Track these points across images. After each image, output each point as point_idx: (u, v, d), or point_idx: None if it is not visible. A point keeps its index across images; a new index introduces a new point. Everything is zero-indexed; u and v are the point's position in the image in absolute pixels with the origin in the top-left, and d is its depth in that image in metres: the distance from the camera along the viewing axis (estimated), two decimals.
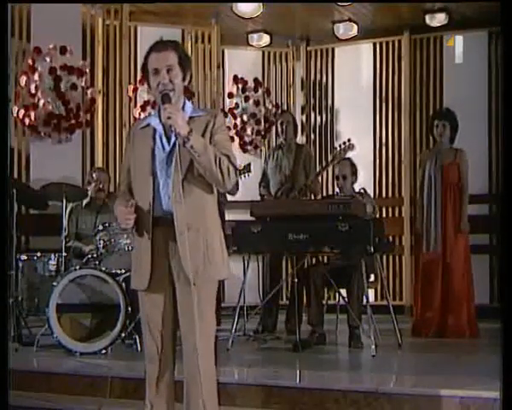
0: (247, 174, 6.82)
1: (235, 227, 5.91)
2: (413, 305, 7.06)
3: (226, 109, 9.01)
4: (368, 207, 5.86)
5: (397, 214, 8.86)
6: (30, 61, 7.59)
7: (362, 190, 6.30)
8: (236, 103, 9.08)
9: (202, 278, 3.29)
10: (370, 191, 6.99)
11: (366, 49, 9.09)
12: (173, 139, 3.31)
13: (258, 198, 7.08)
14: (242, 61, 9.22)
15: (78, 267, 5.74)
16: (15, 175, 7.55)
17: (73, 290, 5.62)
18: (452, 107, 6.94)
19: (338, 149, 6.53)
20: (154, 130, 3.40)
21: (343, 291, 6.07)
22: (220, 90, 8.94)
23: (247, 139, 9.10)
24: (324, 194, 8.48)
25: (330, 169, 7.39)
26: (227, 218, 6.87)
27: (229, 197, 6.68)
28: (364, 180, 7.33)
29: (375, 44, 9.03)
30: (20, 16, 7.72)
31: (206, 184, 3.34)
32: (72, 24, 7.86)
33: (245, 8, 8.22)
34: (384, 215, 8.77)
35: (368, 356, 5.53)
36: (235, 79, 9.10)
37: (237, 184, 6.45)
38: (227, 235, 5.62)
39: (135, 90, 8.31)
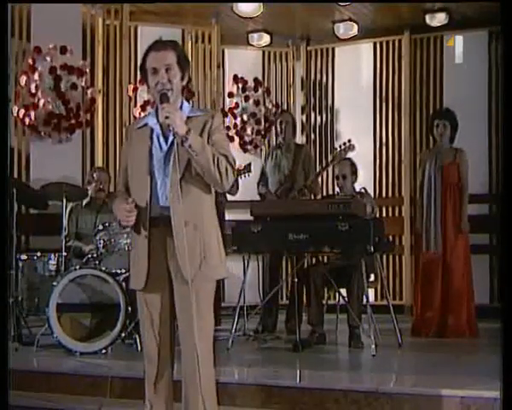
0: (247, 174, 6.83)
1: (235, 227, 5.91)
2: (413, 305, 7.06)
3: (226, 109, 9.01)
4: (367, 206, 5.86)
5: (397, 214, 8.86)
6: (30, 61, 7.59)
7: (362, 190, 6.30)
8: (236, 103, 9.08)
9: (200, 278, 3.30)
10: (370, 191, 6.98)
11: (366, 48, 9.09)
12: (171, 139, 3.32)
13: (258, 198, 7.07)
14: (242, 61, 9.23)
15: (78, 267, 5.74)
16: (15, 175, 7.54)
17: (73, 290, 5.62)
18: (452, 107, 6.94)
19: (338, 149, 6.53)
20: (152, 129, 3.40)
21: (343, 291, 6.06)
22: (220, 89, 8.95)
23: (247, 139, 9.10)
24: (324, 194, 8.48)
25: (330, 169, 7.38)
26: (227, 218, 6.88)
27: (229, 197, 6.69)
28: (364, 180, 7.32)
29: (375, 44, 9.03)
30: (20, 16, 7.72)
31: (203, 184, 3.35)
32: (73, 24, 7.86)
33: (245, 8, 8.22)
34: (384, 215, 8.77)
35: (368, 356, 5.53)
36: (236, 79, 9.10)
37: (237, 183, 6.46)
38: (227, 234, 5.68)
39: (135, 89, 8.31)
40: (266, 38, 9.13)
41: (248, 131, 9.09)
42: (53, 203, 6.56)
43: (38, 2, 7.66)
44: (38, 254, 6.26)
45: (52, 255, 6.19)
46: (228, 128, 8.90)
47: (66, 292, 5.58)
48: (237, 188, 6.46)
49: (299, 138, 9.11)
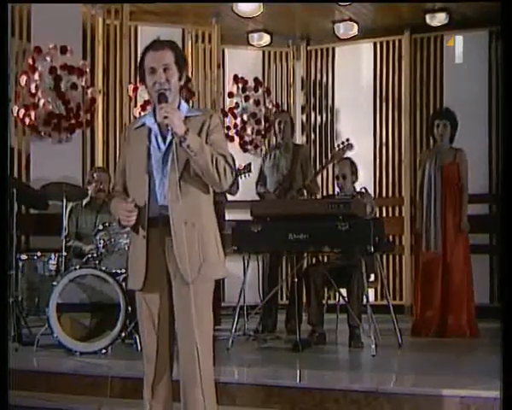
0: (247, 174, 6.82)
1: (235, 227, 5.90)
2: (413, 305, 7.06)
3: (226, 109, 9.01)
4: (367, 206, 5.87)
5: (397, 214, 8.86)
6: (30, 61, 7.59)
7: (363, 190, 6.30)
8: (236, 103, 9.08)
9: (198, 277, 3.29)
10: (370, 191, 6.98)
11: (366, 48, 9.09)
12: (169, 138, 3.32)
13: (258, 198, 7.07)
14: (242, 61, 9.22)
15: (78, 267, 5.74)
16: (15, 175, 7.55)
17: (73, 290, 5.62)
18: (452, 107, 6.94)
19: (336, 148, 6.53)
20: (150, 129, 3.40)
21: (343, 291, 6.07)
22: (220, 89, 8.94)
23: (247, 139, 9.10)
24: (324, 194, 8.49)
25: (331, 169, 7.39)
26: (227, 218, 6.87)
27: (230, 197, 6.68)
28: (364, 180, 7.32)
29: (375, 44, 9.03)
30: (20, 16, 7.72)
31: (202, 184, 3.34)
32: (73, 24, 7.87)
33: (245, 8, 8.22)
34: (384, 215, 8.77)
35: (368, 356, 5.53)
36: (236, 79, 9.10)
37: (238, 183, 6.46)
38: (227, 234, 5.67)
39: (135, 89, 8.31)
40: (266, 38, 9.13)
41: (248, 131, 9.09)
42: (53, 203, 6.57)
43: (38, 2, 7.66)
44: (38, 254, 6.26)
45: (52, 255, 6.19)
46: (228, 128, 8.90)
47: (66, 292, 5.58)
48: (237, 188, 6.46)
49: (300, 138, 9.12)
